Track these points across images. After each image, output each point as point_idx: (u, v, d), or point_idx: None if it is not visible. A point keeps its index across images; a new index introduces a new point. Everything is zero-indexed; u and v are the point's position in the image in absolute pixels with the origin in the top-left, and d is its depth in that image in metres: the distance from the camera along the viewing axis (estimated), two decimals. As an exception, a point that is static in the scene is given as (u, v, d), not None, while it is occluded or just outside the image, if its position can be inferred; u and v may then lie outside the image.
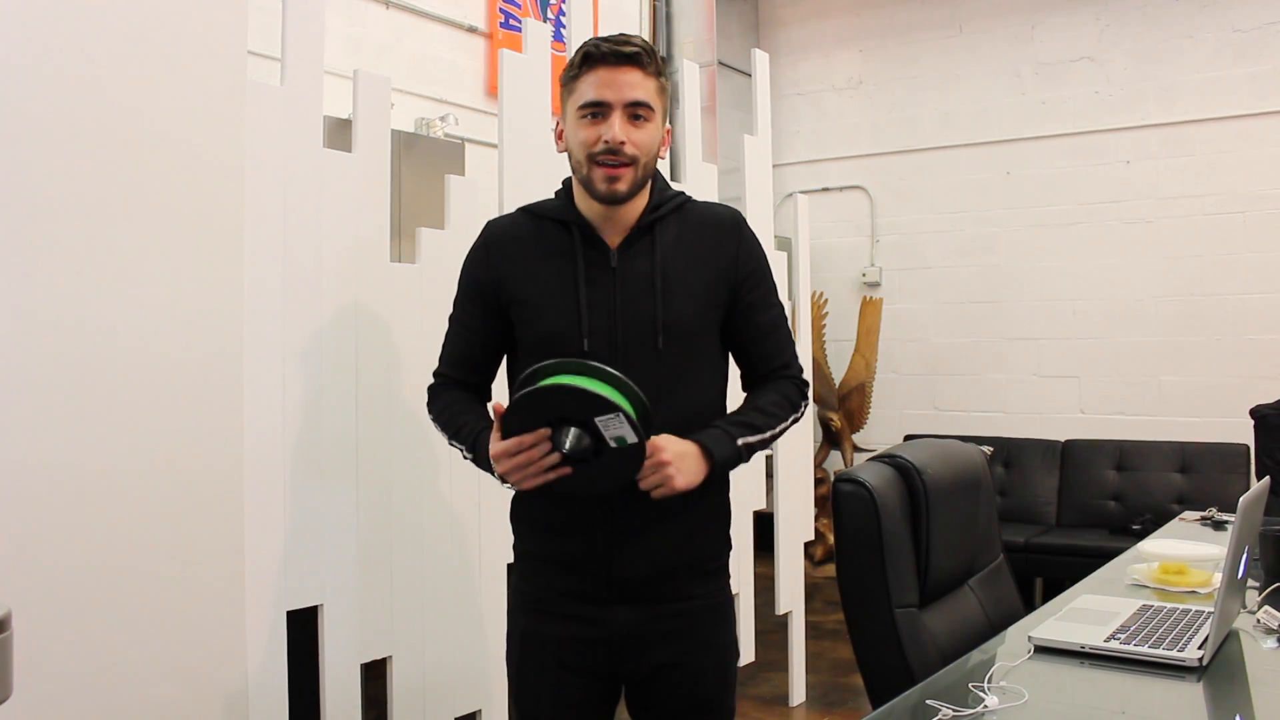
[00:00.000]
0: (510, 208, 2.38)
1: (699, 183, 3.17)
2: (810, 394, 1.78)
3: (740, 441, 1.62)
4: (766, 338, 1.70)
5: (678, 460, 1.51)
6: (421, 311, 2.32)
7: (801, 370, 1.76)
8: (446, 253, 2.34)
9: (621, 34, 1.61)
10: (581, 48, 1.60)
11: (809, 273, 3.89)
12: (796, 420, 1.72)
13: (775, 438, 1.69)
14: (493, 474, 1.55)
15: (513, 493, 1.72)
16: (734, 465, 1.63)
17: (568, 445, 1.45)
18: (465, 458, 1.63)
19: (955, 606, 1.91)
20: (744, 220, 1.72)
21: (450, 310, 1.74)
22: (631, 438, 1.43)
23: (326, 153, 2.14)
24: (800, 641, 3.70)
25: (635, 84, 1.57)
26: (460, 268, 1.74)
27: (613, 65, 1.56)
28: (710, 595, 1.69)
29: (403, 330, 2.29)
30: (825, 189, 6.14)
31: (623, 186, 1.58)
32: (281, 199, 2.06)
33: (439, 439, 1.71)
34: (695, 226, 1.67)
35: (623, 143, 1.56)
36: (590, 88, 1.57)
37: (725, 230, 1.68)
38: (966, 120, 5.76)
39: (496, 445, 1.49)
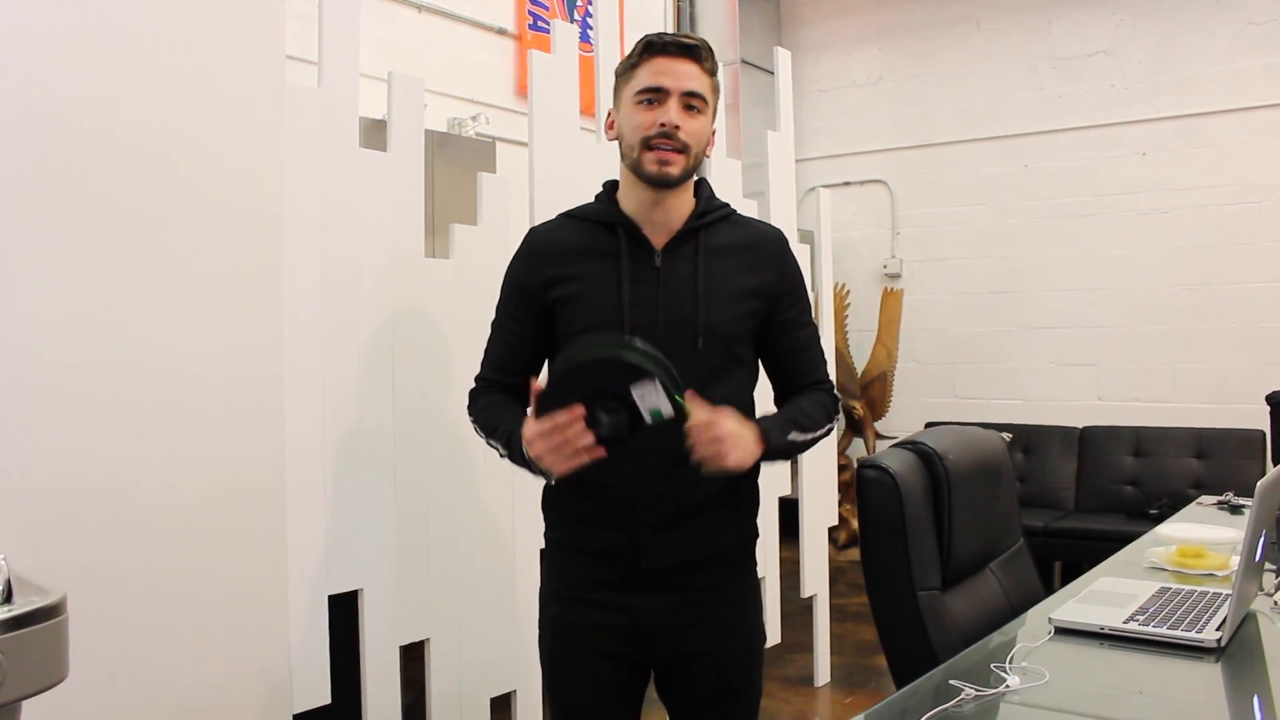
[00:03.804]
0: (540, 203, 2.43)
1: (724, 178, 3.16)
2: (839, 404, 1.79)
3: (789, 437, 1.61)
4: (803, 352, 1.71)
5: (734, 437, 1.48)
6: (455, 305, 2.32)
7: (834, 386, 1.76)
8: (479, 247, 2.35)
9: (682, 33, 1.62)
10: (643, 39, 1.61)
11: (831, 265, 3.88)
12: (829, 431, 1.73)
13: (813, 442, 1.69)
14: (529, 468, 1.53)
15: (544, 483, 1.71)
16: (780, 458, 1.63)
17: (604, 422, 1.42)
18: (501, 455, 1.63)
19: (977, 589, 1.90)
20: (787, 240, 1.73)
21: (491, 312, 1.74)
22: (667, 409, 1.42)
23: (363, 153, 2.15)
24: (825, 624, 3.69)
25: (692, 75, 1.59)
26: (500, 267, 1.74)
27: (673, 55, 1.58)
28: (738, 583, 1.69)
29: (437, 324, 2.29)
30: (847, 183, 6.11)
31: (674, 170, 1.58)
32: (320, 199, 2.07)
33: (473, 432, 1.71)
34: (740, 238, 1.68)
35: (678, 127, 1.57)
36: (648, 74, 1.58)
37: (770, 245, 1.69)
38: (984, 115, 5.71)
39: (530, 426, 1.46)
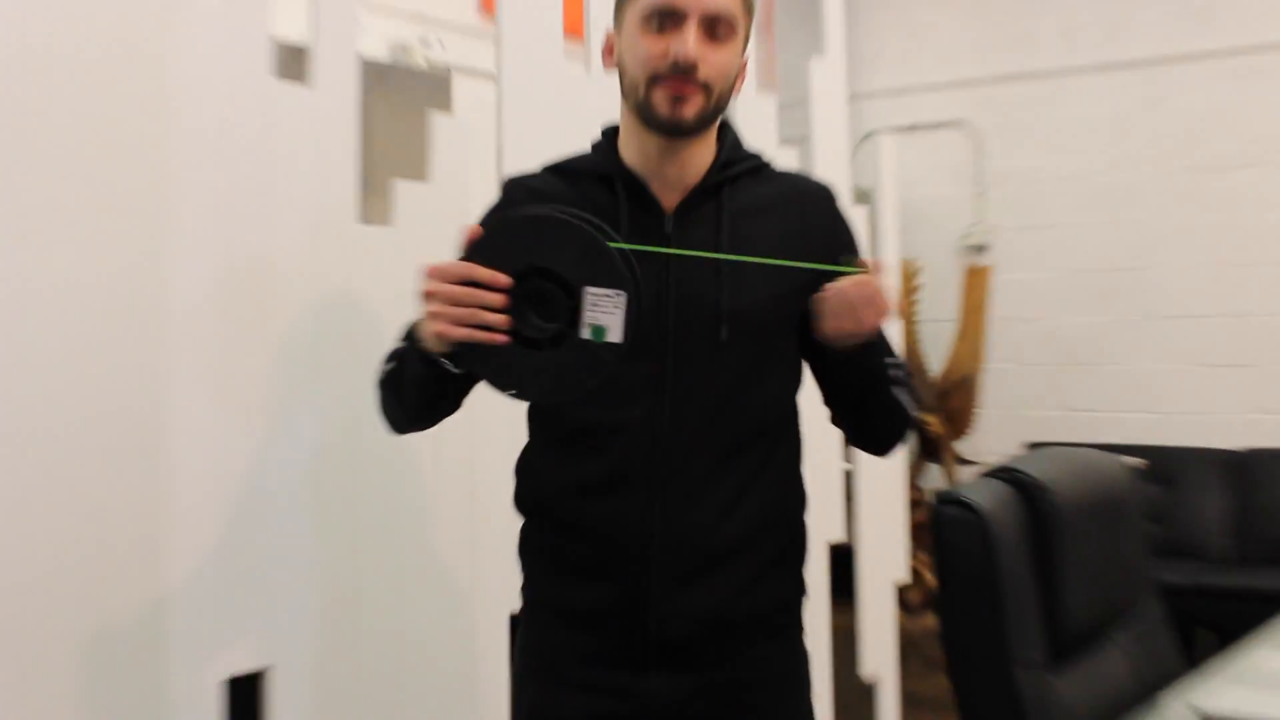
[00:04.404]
0: (512, 152, 2.43)
1: (754, 120, 3.14)
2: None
3: (890, 360, 1.68)
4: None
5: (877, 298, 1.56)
6: (399, 287, 2.25)
7: (914, 384, 1.80)
8: (430, 212, 2.35)
9: None
10: None
11: (897, 234, 3.88)
12: (902, 437, 1.76)
13: (901, 414, 1.72)
14: (419, 373, 1.57)
15: (521, 524, 1.76)
16: (877, 377, 1.67)
17: (531, 317, 1.45)
18: (385, 375, 1.67)
19: (1095, 665, 1.91)
20: (837, 197, 1.76)
21: None
22: (614, 335, 1.46)
23: (277, 86, 2.15)
24: (893, 714, 3.69)
25: None
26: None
27: None
28: (781, 658, 1.71)
29: (375, 312, 2.30)
30: (916, 126, 6.12)
31: (690, 111, 1.59)
32: (217, 147, 2.06)
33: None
34: (776, 197, 1.71)
35: (695, 61, 1.57)
36: None
37: (815, 206, 1.73)
38: (1099, 34, 5.71)
39: (439, 264, 1.49)
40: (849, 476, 3.60)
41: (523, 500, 1.77)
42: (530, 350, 1.46)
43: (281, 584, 2.15)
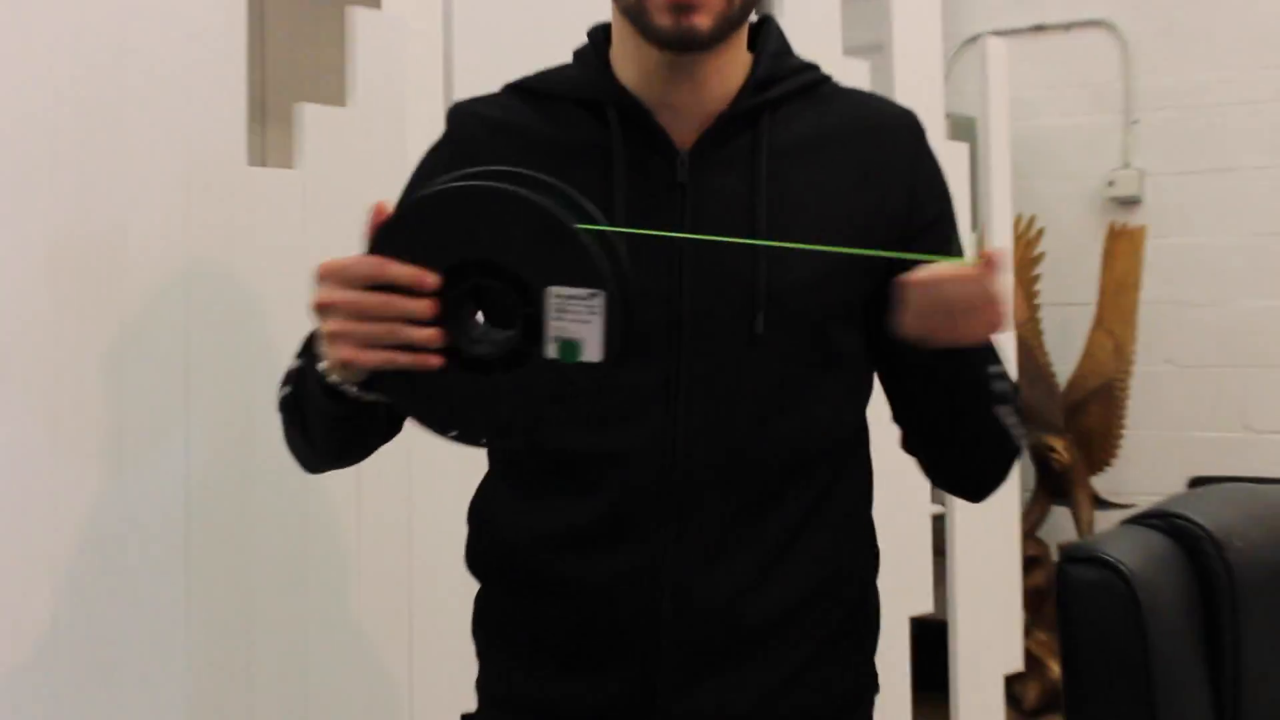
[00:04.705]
0: (465, 66, 2.43)
1: (805, 18, 3.13)
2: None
3: (995, 383, 1.67)
4: None
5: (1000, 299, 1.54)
6: (305, 251, 2.31)
7: (1018, 395, 1.79)
8: (349, 148, 2.36)
9: None
10: None
11: (1009, 180, 3.90)
12: (1004, 474, 1.77)
13: (1009, 445, 1.73)
14: (324, 407, 1.54)
15: (476, 592, 1.78)
16: (974, 391, 1.67)
17: (477, 329, 1.43)
18: (283, 400, 1.66)
19: (1288, 790, 1.90)
20: (922, 128, 1.77)
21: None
22: (593, 350, 1.40)
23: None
24: None
25: None
26: (388, 181, 1.78)
27: None
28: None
29: (272, 285, 2.30)
30: (1039, 27, 6.11)
31: (703, 22, 1.58)
32: (37, 74, 2.06)
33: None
34: (838, 127, 1.72)
35: None
36: None
37: (893, 138, 1.73)
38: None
39: (333, 260, 1.44)
40: (940, 524, 3.59)
41: (480, 557, 1.77)
42: (475, 375, 1.43)
43: (140, 676, 2.14)
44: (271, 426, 2.09)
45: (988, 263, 1.49)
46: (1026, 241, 5.74)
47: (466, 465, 1.82)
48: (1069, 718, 1.81)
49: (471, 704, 1.78)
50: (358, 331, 1.40)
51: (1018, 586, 3.78)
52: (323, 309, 1.42)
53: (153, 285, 2.18)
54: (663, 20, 1.57)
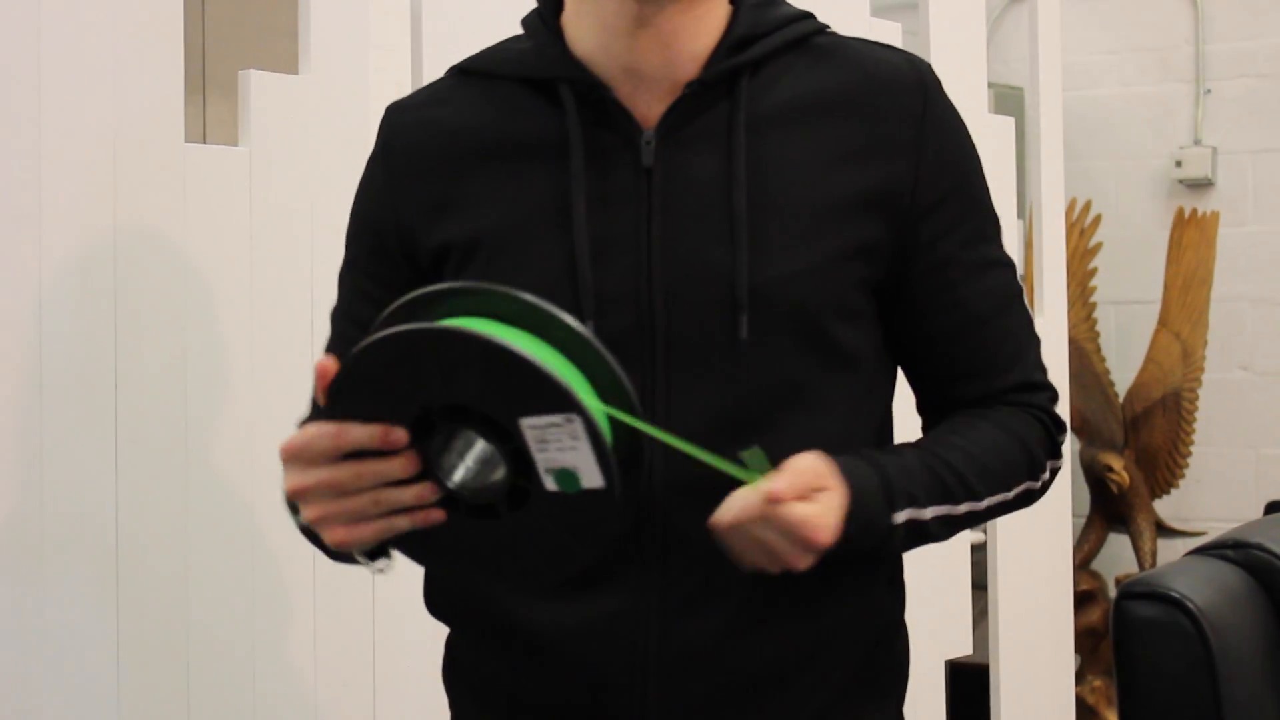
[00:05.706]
0: (435, 30, 2.49)
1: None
2: (1065, 433, 1.78)
3: (901, 517, 1.56)
4: (981, 327, 1.72)
5: (813, 522, 1.43)
6: (253, 239, 2.32)
7: (1054, 396, 1.77)
8: (302, 119, 2.40)
9: None
10: None
11: (1061, 158, 3.86)
12: (1033, 494, 1.72)
13: (978, 519, 1.68)
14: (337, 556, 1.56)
15: (446, 638, 1.78)
16: (874, 547, 1.59)
17: (459, 472, 1.39)
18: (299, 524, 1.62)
19: None
20: (935, 80, 1.70)
21: (333, 255, 1.83)
22: (592, 476, 1.37)
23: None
24: None
25: None
26: (348, 162, 1.94)
27: None
28: None
29: (215, 277, 2.31)
30: (1097, -19, 6.17)
31: None
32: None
33: (293, 529, 1.70)
34: (830, 89, 1.66)
35: None
36: None
37: (893, 102, 1.65)
38: None
39: (297, 440, 1.41)
40: (980, 553, 3.64)
41: (443, 601, 1.75)
42: (484, 520, 1.42)
43: (68, 696, 2.18)
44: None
45: (769, 499, 1.41)
46: (1081, 230, 5.68)
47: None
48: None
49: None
50: (342, 510, 1.41)
51: (1069, 626, 3.84)
52: (297, 496, 1.43)
53: (75, 283, 2.21)
54: None
